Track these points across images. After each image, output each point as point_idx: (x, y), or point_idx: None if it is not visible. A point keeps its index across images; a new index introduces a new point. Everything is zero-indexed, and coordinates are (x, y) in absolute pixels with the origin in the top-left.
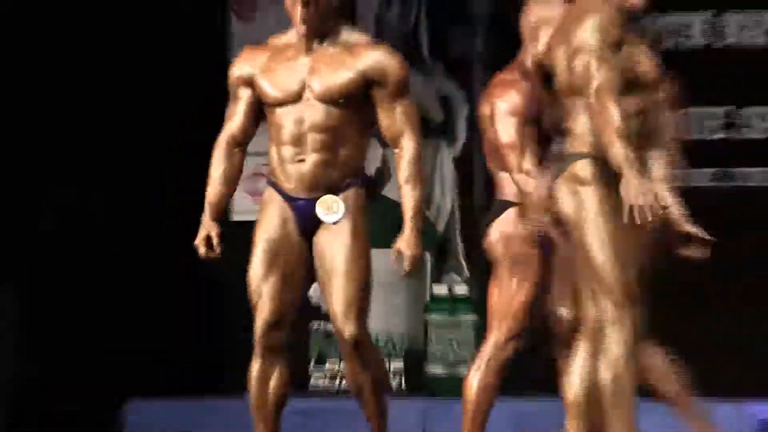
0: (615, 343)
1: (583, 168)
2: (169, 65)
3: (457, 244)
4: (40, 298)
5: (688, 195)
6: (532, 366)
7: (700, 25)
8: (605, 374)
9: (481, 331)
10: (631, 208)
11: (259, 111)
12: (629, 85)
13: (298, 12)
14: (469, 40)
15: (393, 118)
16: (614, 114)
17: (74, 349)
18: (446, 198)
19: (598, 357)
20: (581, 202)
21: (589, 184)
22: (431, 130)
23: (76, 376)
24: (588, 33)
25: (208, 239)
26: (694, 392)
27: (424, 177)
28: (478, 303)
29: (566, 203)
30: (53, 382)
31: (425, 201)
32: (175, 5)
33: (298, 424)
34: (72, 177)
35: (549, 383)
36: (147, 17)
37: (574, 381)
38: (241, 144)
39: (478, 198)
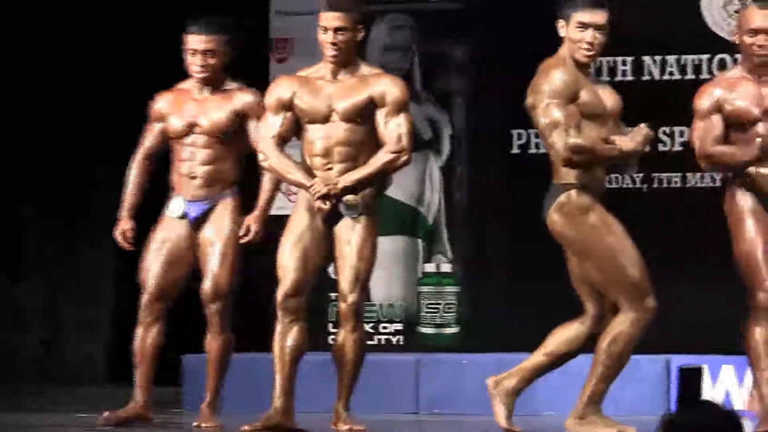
0: (627, 323)
1: (577, 196)
2: None
3: (443, 232)
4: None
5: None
6: None
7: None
8: (610, 342)
9: (461, 299)
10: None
11: (293, 124)
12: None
13: (328, 48)
14: (450, 78)
15: (386, 130)
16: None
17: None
18: (434, 196)
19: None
20: (584, 226)
21: (585, 210)
22: (422, 144)
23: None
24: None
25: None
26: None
27: (384, 173)
28: (459, 277)
29: (568, 228)
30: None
31: (418, 199)
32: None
33: (316, 373)
34: None
35: None
36: None
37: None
38: (286, 142)
39: (458, 197)
